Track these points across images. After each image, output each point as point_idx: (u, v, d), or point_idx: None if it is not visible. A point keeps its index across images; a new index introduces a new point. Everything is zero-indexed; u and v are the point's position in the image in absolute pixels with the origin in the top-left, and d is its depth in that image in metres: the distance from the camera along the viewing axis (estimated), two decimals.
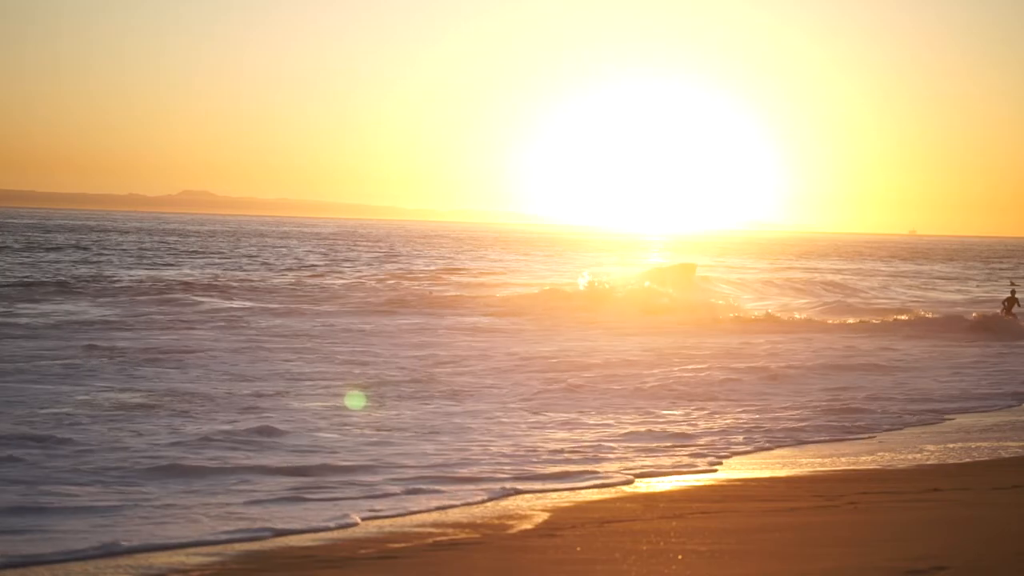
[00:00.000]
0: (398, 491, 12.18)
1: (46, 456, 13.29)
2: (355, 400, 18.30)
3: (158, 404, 17.43)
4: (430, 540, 10.12)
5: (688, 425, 17.31)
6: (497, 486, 12.61)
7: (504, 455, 14.38)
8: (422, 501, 11.80)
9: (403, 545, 9.94)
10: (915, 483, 13.12)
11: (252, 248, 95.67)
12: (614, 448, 15.21)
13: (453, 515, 11.24)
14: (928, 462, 14.80)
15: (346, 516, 10.99)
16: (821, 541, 10.06)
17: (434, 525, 10.77)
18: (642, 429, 16.67)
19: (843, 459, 15.03)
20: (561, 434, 16.15)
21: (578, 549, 9.79)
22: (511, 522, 10.95)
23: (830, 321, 40.53)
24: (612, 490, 12.68)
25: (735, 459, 15.01)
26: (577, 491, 12.54)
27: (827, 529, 10.61)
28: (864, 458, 15.12)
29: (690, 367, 24.55)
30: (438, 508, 11.56)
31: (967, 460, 14.97)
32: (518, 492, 12.40)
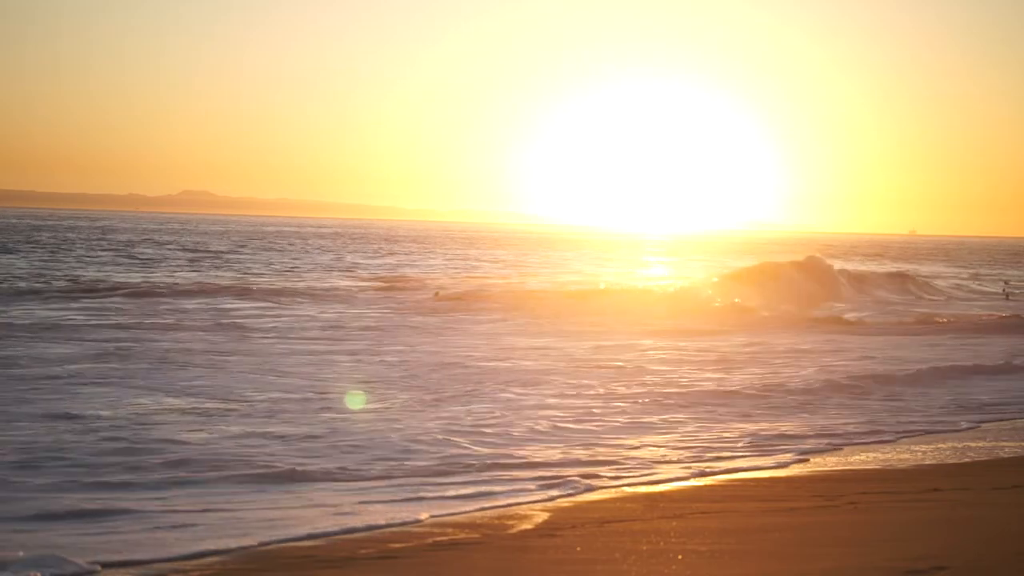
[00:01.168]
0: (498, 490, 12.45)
1: (132, 461, 13.32)
2: (355, 400, 18.27)
3: (231, 408, 17.39)
4: (430, 540, 10.12)
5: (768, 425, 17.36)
6: (581, 483, 12.94)
7: (581, 454, 14.65)
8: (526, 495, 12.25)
9: (403, 545, 9.94)
10: (915, 483, 13.12)
11: (260, 249, 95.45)
12: (684, 448, 15.45)
13: (454, 515, 11.24)
14: (928, 462, 14.80)
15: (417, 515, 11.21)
16: (821, 541, 10.07)
17: (434, 525, 10.78)
18: (728, 433, 16.71)
19: (843, 459, 15.03)
20: (636, 434, 16.36)
21: (578, 549, 9.79)
22: (511, 522, 10.95)
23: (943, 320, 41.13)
24: (612, 490, 12.69)
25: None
26: (580, 493, 12.55)
27: (827, 529, 10.61)
28: (864, 458, 15.12)
29: (782, 368, 24.69)
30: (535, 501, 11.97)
31: (967, 460, 14.98)
32: (594, 488, 12.76)
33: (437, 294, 45.40)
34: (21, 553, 9.27)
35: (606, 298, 43.17)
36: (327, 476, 12.91)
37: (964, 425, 18.01)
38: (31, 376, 20.27)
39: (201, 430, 15.39)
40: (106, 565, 9.22)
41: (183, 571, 9.10)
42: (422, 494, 12.13)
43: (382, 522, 10.82)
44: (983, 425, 18.13)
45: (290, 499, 11.83)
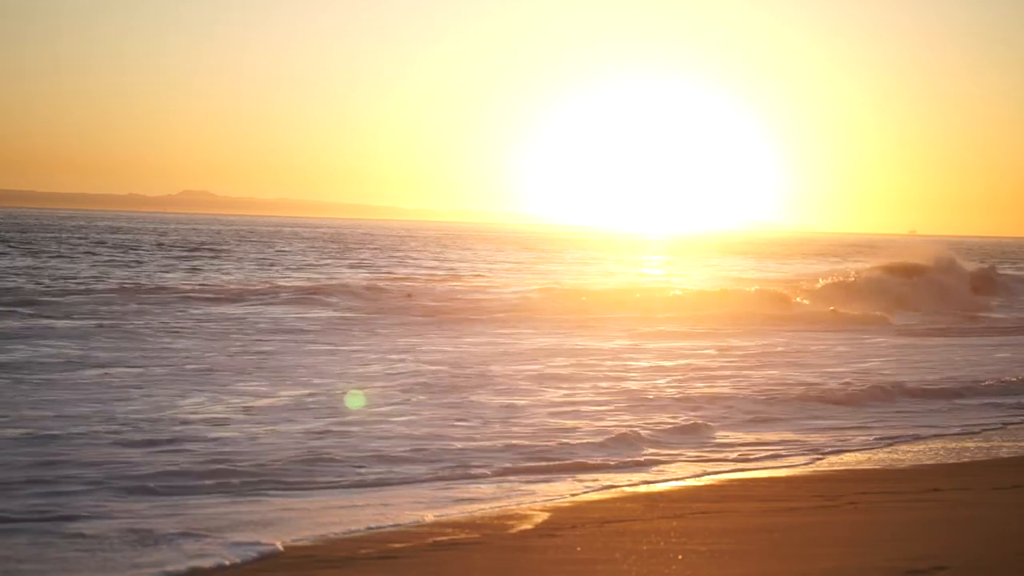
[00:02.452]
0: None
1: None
2: (354, 400, 18.26)
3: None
4: (430, 540, 10.12)
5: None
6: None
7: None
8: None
9: (403, 545, 9.95)
10: (915, 483, 13.12)
11: (259, 249, 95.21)
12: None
13: (453, 515, 11.25)
14: (928, 462, 14.80)
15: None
16: (821, 541, 10.07)
17: (434, 525, 10.78)
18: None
19: (843, 459, 15.03)
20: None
21: (578, 549, 9.80)
22: (511, 522, 10.95)
23: None
24: (612, 490, 12.69)
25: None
26: (577, 491, 12.55)
27: (827, 529, 10.62)
28: (864, 458, 15.12)
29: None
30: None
31: (966, 460, 14.98)
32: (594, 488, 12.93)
33: (410, 295, 43.50)
34: (220, 536, 10.06)
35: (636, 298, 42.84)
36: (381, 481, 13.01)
37: None
38: (57, 381, 19.71)
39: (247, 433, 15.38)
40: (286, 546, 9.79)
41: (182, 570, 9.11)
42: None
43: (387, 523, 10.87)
44: (1008, 426, 18.07)
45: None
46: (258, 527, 10.59)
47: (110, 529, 10.37)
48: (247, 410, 17.13)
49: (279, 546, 9.80)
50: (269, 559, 9.51)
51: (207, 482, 12.39)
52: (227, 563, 9.33)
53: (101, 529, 10.37)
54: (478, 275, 65.71)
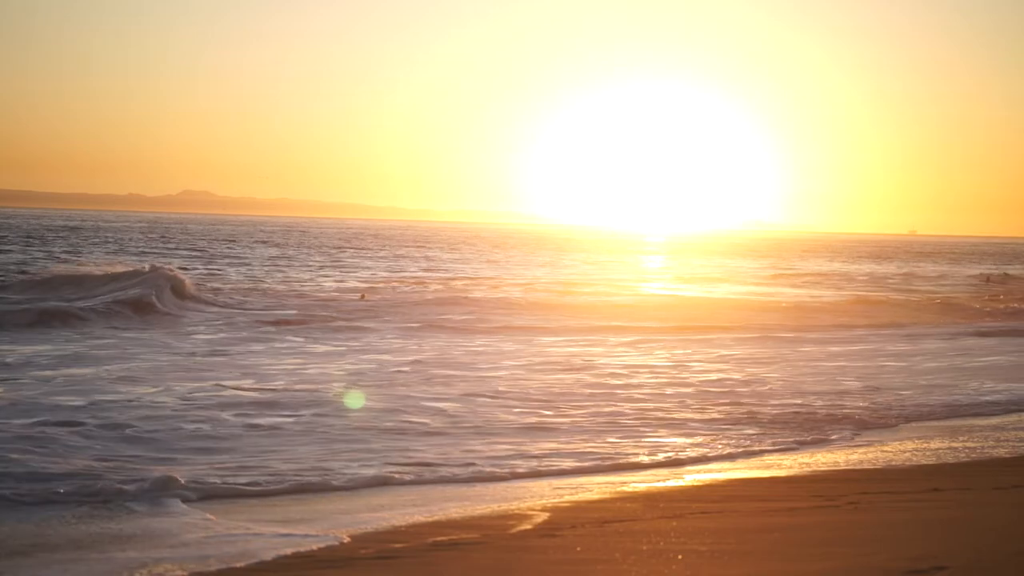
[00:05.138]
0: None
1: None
2: (354, 399, 18.29)
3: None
4: (430, 540, 10.13)
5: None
6: None
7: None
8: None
9: (403, 545, 9.95)
10: (915, 483, 13.12)
11: (258, 252, 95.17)
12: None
13: (453, 515, 11.26)
14: (928, 462, 14.80)
15: None
16: (821, 541, 10.07)
17: (434, 525, 10.79)
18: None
19: (843, 459, 15.04)
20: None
21: (578, 549, 9.80)
22: (511, 522, 10.96)
23: None
24: (612, 490, 12.70)
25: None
26: (577, 491, 12.56)
27: (827, 529, 10.61)
28: (864, 458, 15.13)
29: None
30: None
31: (967, 460, 14.98)
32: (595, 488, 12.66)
33: (363, 296, 43.08)
34: None
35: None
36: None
37: None
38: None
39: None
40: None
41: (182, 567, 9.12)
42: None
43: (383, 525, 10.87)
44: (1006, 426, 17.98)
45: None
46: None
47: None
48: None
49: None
50: (269, 559, 9.52)
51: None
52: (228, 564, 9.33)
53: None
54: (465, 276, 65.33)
